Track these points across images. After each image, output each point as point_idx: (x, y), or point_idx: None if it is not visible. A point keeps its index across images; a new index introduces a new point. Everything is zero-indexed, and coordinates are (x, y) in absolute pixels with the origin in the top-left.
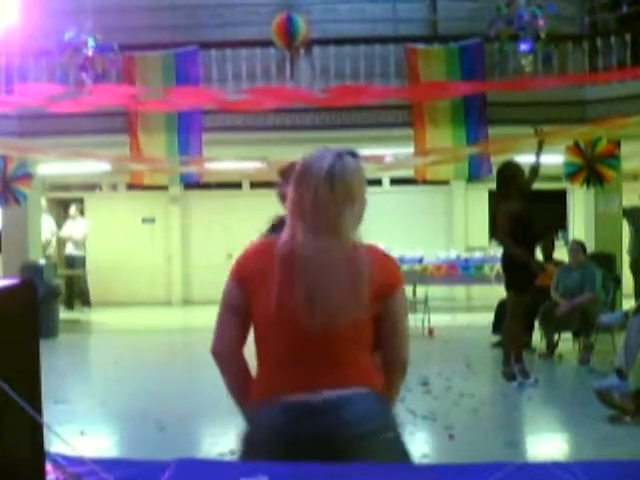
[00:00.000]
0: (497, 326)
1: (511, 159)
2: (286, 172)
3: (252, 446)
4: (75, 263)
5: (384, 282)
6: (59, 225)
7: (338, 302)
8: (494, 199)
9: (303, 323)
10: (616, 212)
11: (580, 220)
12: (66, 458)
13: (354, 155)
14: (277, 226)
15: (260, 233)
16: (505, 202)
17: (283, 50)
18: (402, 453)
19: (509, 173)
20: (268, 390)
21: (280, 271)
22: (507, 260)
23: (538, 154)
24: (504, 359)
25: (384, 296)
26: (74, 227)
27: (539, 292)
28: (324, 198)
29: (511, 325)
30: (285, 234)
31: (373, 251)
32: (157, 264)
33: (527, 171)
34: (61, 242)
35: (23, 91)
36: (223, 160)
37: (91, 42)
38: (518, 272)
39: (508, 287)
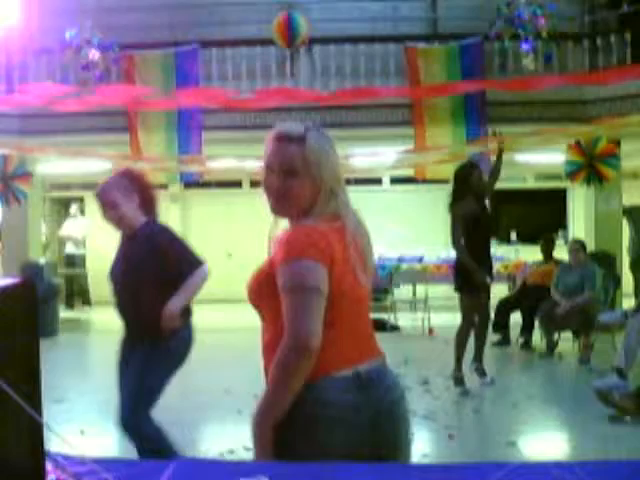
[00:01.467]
0: (497, 325)
1: (468, 160)
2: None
3: (327, 422)
4: (75, 262)
5: None
6: (58, 224)
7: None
8: (450, 199)
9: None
10: (616, 211)
11: (580, 219)
12: (66, 458)
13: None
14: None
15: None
16: (458, 204)
17: (283, 49)
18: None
19: (465, 173)
20: (341, 361)
21: (347, 248)
22: (457, 263)
23: (498, 157)
24: (455, 363)
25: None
26: (74, 226)
27: (538, 291)
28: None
29: (462, 328)
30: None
31: None
32: None
33: (489, 173)
34: (61, 241)
35: (27, 90)
36: (223, 159)
37: (95, 40)
38: (468, 275)
39: (459, 290)
